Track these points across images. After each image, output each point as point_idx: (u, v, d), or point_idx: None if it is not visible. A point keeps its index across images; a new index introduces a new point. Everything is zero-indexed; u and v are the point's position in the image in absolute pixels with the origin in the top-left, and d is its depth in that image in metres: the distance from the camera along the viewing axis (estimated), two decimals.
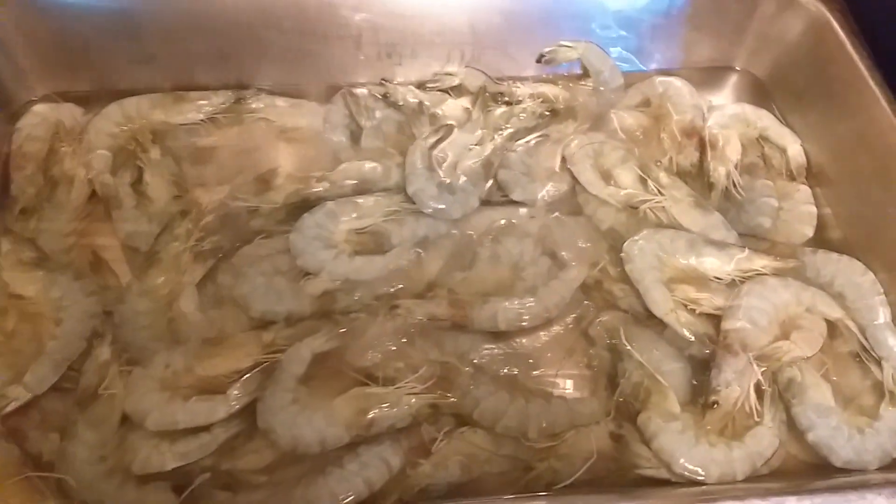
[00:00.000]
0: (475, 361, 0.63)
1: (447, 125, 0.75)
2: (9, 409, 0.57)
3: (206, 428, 0.57)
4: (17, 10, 0.70)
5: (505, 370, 0.63)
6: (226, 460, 0.57)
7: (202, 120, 0.75)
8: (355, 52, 0.78)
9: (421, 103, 0.77)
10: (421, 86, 0.79)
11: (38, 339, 0.61)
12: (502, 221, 0.71)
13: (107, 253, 0.67)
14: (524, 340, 0.66)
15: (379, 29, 0.76)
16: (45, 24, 0.72)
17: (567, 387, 0.64)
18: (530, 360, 0.65)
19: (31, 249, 0.65)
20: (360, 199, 0.70)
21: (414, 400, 0.59)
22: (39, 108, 0.73)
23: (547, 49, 0.80)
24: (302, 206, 0.70)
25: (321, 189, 0.71)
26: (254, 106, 0.77)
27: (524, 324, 0.65)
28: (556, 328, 0.67)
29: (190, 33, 0.73)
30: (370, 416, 0.58)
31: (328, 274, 0.66)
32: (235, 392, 0.58)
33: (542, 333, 0.66)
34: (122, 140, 0.72)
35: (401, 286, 0.66)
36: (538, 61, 0.81)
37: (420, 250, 0.68)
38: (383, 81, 0.78)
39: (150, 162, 0.72)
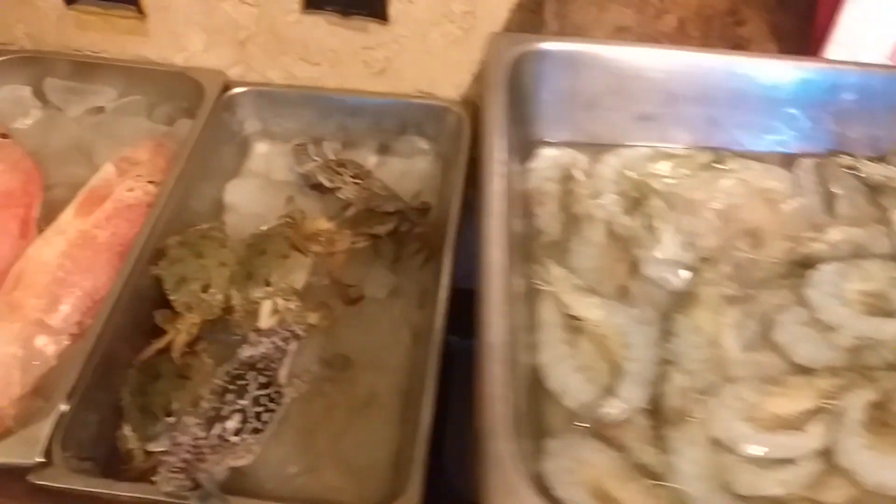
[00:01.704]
0: None
1: None
2: (611, 419, 0.63)
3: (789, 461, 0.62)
4: (545, 64, 0.79)
5: None
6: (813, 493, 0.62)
7: (685, 175, 0.82)
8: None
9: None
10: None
11: (607, 359, 0.67)
12: None
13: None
14: None
15: None
16: (565, 79, 0.80)
17: None
18: None
19: (577, 276, 0.72)
20: (865, 263, 0.75)
21: None
22: (549, 151, 0.81)
23: None
24: (801, 262, 0.76)
25: (818, 248, 0.77)
26: (729, 167, 0.83)
27: None
28: None
29: (689, 99, 0.80)
30: None
31: (850, 330, 0.71)
32: (815, 429, 0.63)
33: None
34: (625, 187, 0.79)
35: None
36: None
37: None
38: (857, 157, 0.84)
39: (655, 209, 0.78)
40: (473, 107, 0.99)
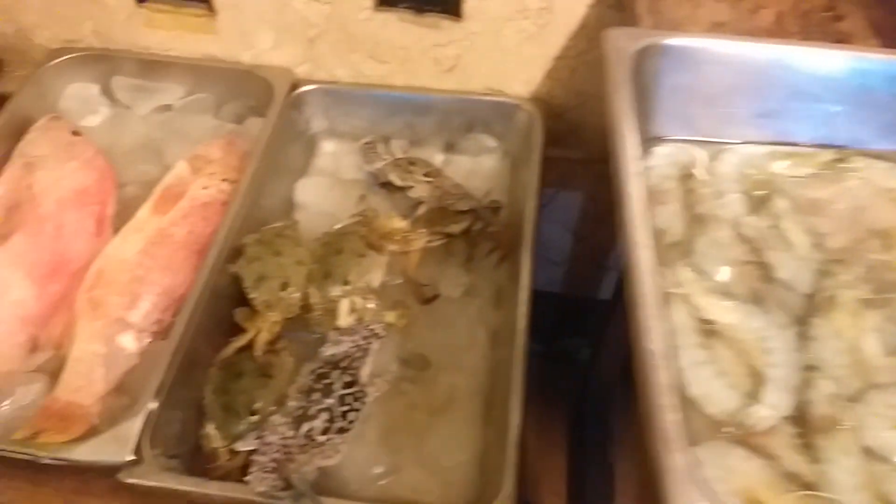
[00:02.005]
0: None
1: None
2: (758, 426, 0.61)
3: None
4: (666, 59, 0.75)
5: None
6: None
7: (808, 174, 0.79)
8: None
9: None
10: None
11: (745, 364, 0.64)
12: None
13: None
14: None
15: None
16: (685, 75, 0.75)
17: None
18: None
19: (707, 279, 0.69)
20: None
21: None
22: (665, 148, 0.78)
23: None
24: None
25: None
26: (853, 166, 0.81)
27: None
28: None
29: (811, 96, 0.76)
30: None
31: None
32: None
33: None
34: (747, 186, 0.77)
35: None
36: None
37: None
38: None
39: (781, 209, 0.75)
40: (545, 104, 0.98)
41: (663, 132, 0.78)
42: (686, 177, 0.76)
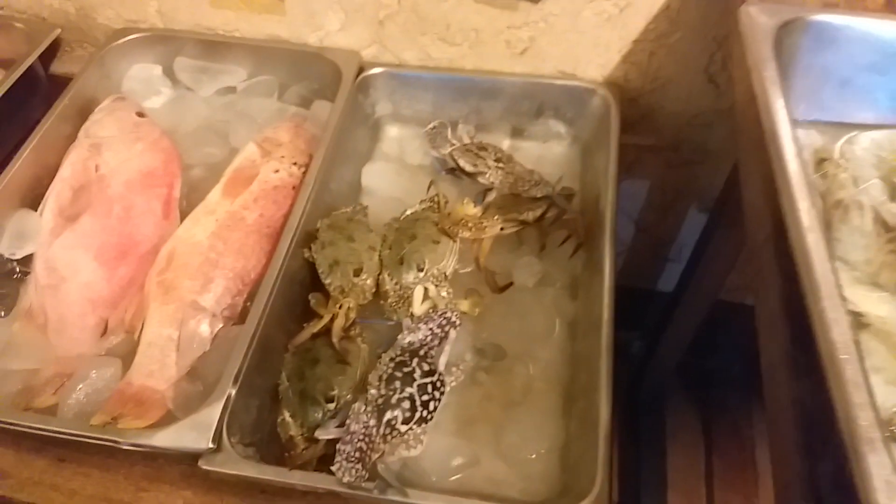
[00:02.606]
0: None
1: None
2: None
3: None
4: (806, 37, 0.70)
5: None
6: None
7: None
8: None
9: None
10: None
11: None
12: None
13: None
14: None
15: None
16: (823, 54, 0.72)
17: None
18: None
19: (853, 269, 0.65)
20: None
21: None
22: (798, 132, 0.74)
23: None
24: None
25: None
26: None
27: None
28: None
29: None
30: None
31: None
32: None
33: None
34: (884, 171, 0.73)
35: None
36: None
37: None
38: None
39: None
40: (619, 89, 0.95)
41: (796, 114, 0.73)
42: (821, 161, 0.72)
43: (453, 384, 0.74)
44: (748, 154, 0.67)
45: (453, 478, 0.72)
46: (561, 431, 0.74)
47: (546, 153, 1.00)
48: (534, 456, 0.73)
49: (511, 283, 0.84)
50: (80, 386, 0.73)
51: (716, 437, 1.37)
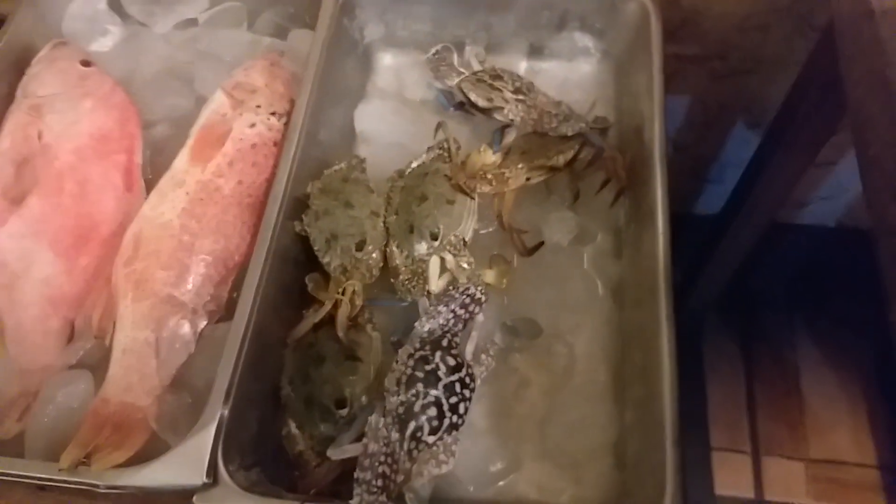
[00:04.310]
0: None
1: None
2: None
3: None
4: None
5: None
6: None
7: None
8: None
9: None
10: None
11: None
12: None
13: None
14: None
15: None
16: None
17: None
18: None
19: None
20: None
21: None
22: None
23: None
24: None
25: None
26: None
27: None
28: None
29: None
30: None
31: None
32: None
33: None
34: None
35: None
36: None
37: None
38: None
39: None
40: None
41: None
42: None
43: (483, 375, 0.62)
44: (854, 57, 0.53)
45: (494, 486, 0.62)
46: (614, 422, 0.64)
47: (571, 75, 0.84)
48: (583, 454, 0.63)
49: (541, 243, 0.71)
50: (49, 408, 0.62)
51: (757, 366, 1.28)
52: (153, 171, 0.75)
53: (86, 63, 0.79)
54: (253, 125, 0.73)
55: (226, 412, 0.58)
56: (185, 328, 0.65)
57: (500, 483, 0.62)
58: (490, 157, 0.71)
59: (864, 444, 1.19)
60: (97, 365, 0.66)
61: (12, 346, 0.67)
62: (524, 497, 0.61)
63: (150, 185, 0.73)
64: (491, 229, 0.73)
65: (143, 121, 0.77)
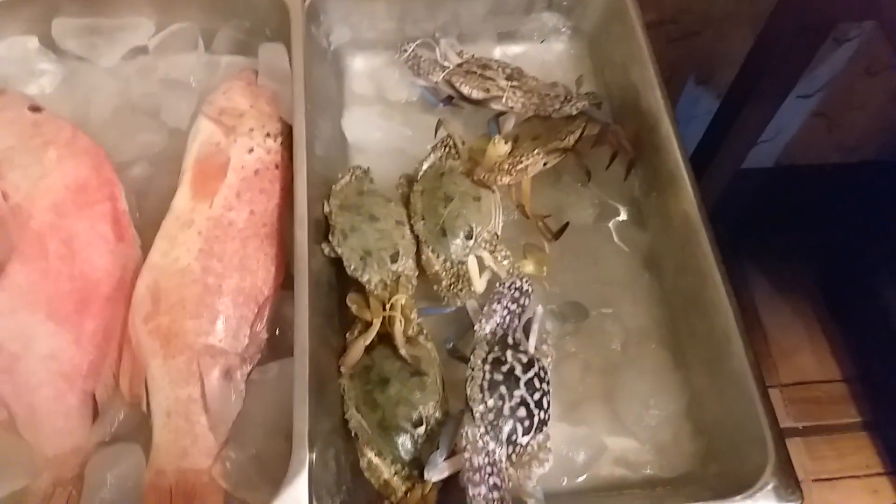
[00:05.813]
0: None
1: None
2: None
3: None
4: None
5: None
6: None
7: None
8: None
9: None
10: None
11: None
12: None
13: None
14: None
15: None
16: None
17: None
18: None
19: None
20: None
21: None
22: None
23: None
24: None
25: None
26: None
27: None
28: None
29: None
30: None
31: None
32: None
33: None
34: None
35: None
36: None
37: None
38: None
39: None
40: None
41: None
42: None
43: (550, 366, 0.62)
44: None
45: (585, 472, 0.61)
46: (682, 387, 0.65)
47: (546, 55, 0.84)
48: (658, 422, 0.63)
49: (567, 224, 0.71)
50: (102, 493, 0.56)
51: None
52: (143, 215, 0.69)
53: (35, 108, 0.71)
54: (251, 150, 0.68)
55: (314, 457, 0.54)
56: (233, 376, 0.60)
57: (589, 471, 0.61)
58: (503, 147, 0.70)
59: (826, 361, 1.28)
60: (132, 435, 0.60)
61: (29, 434, 0.60)
62: (615, 476, 0.61)
63: (141, 232, 0.67)
64: (510, 218, 0.72)
65: (115, 163, 0.70)
